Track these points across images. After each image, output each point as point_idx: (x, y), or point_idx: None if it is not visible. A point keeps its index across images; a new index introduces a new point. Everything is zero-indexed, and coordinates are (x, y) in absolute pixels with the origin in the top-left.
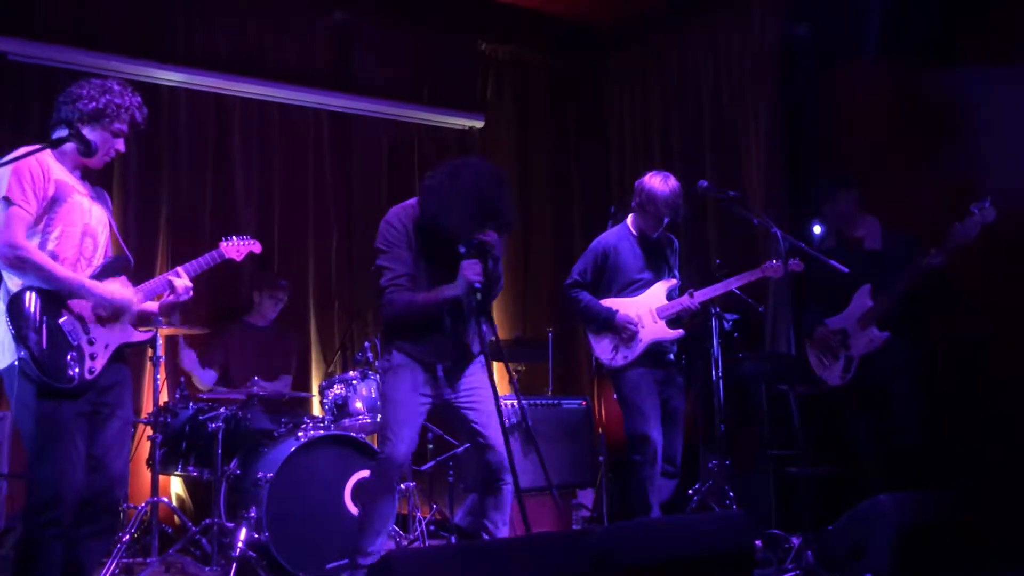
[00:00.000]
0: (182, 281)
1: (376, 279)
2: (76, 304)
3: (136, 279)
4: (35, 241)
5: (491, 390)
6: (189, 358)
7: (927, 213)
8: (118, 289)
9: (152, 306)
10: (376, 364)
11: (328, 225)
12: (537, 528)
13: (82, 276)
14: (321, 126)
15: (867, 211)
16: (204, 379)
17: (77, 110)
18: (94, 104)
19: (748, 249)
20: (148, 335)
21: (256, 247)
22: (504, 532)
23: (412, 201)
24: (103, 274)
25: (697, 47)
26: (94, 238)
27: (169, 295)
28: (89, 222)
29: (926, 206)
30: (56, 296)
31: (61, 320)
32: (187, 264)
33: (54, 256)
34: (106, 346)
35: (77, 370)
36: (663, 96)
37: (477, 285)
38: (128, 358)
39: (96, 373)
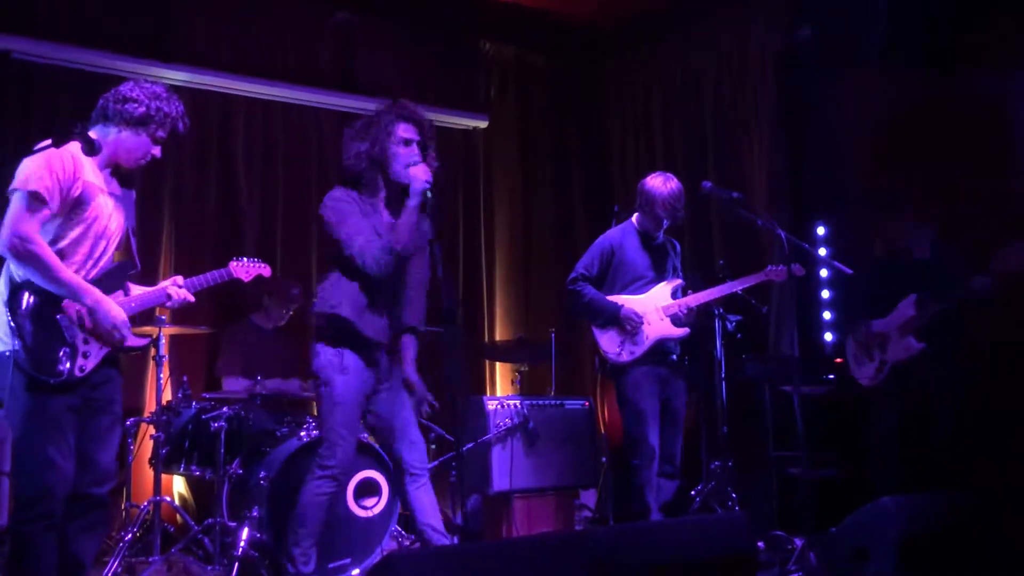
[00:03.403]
0: (181, 291)
1: (339, 253)
2: (76, 302)
3: (140, 280)
4: (49, 236)
5: (416, 375)
6: (231, 383)
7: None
8: (114, 308)
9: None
10: (321, 364)
11: None
12: (538, 529)
13: (83, 281)
14: (324, 126)
15: (920, 221)
16: (236, 387)
17: (126, 112)
18: (143, 109)
19: (752, 250)
20: (144, 341)
21: (266, 271)
22: (442, 530)
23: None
24: (107, 278)
25: (699, 49)
26: (108, 241)
27: (166, 303)
28: (108, 225)
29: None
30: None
31: (59, 315)
32: (193, 278)
33: (62, 255)
34: (101, 347)
35: (68, 365)
36: (665, 98)
37: (427, 185)
38: (119, 361)
39: (87, 371)
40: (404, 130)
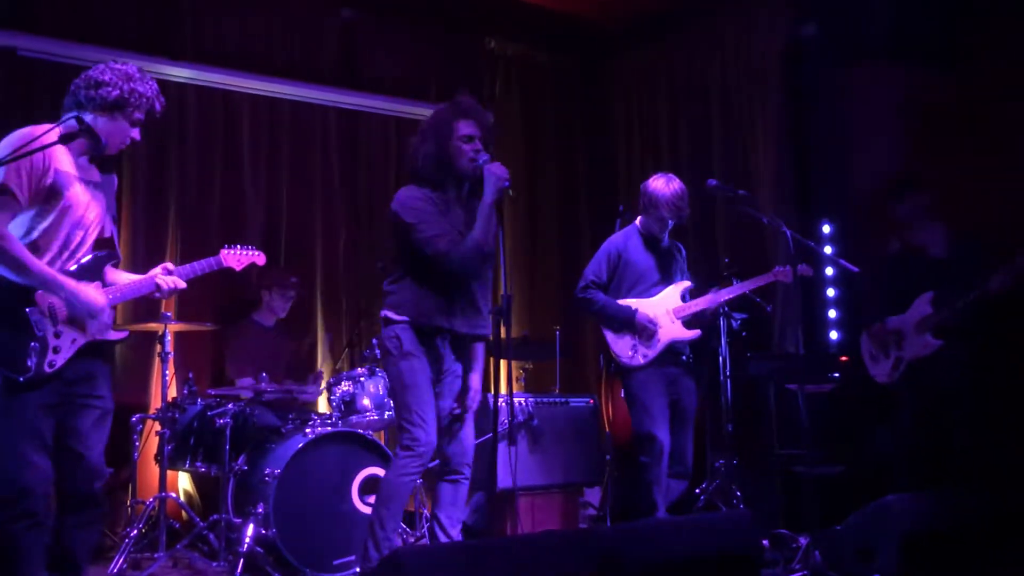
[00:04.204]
0: (170, 279)
1: (415, 253)
2: (47, 295)
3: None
4: (22, 229)
5: (480, 382)
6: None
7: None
8: (92, 292)
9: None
10: (383, 353)
11: (336, 222)
12: (543, 527)
13: (56, 272)
14: (329, 123)
15: (934, 217)
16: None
17: (99, 97)
18: (117, 92)
19: (757, 248)
20: (123, 335)
21: (260, 259)
22: (458, 529)
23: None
24: (85, 271)
25: (704, 47)
26: (85, 231)
27: (155, 293)
28: (84, 214)
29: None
30: (27, 286)
31: (28, 309)
32: (183, 267)
33: (36, 248)
34: (73, 341)
35: (35, 361)
36: (671, 95)
37: (505, 183)
38: (105, 352)
39: (57, 367)
40: (464, 127)
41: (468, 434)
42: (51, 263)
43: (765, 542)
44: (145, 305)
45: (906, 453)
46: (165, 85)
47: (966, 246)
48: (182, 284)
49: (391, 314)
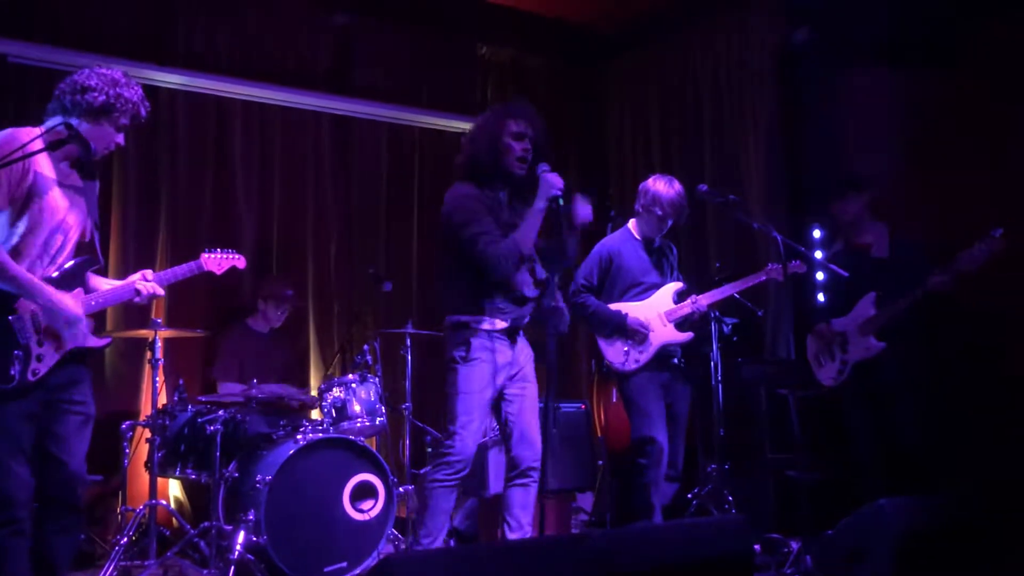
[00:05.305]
0: (149, 285)
1: (460, 251)
2: (30, 303)
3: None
4: (3, 234)
5: (535, 382)
6: (227, 388)
7: (931, 220)
8: (69, 301)
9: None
10: (449, 355)
11: (328, 227)
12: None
13: (35, 278)
14: (321, 129)
15: (877, 217)
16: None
17: (85, 102)
18: (103, 98)
19: (747, 253)
20: (105, 341)
21: (240, 263)
22: (529, 531)
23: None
24: (66, 275)
25: (697, 51)
26: (65, 235)
27: (135, 299)
28: (64, 219)
29: (930, 212)
30: (9, 293)
31: (11, 317)
32: (163, 272)
33: (16, 252)
34: (56, 348)
35: (18, 369)
36: (662, 100)
37: (556, 192)
38: (86, 359)
39: (40, 375)
40: (515, 125)
41: (535, 435)
42: (31, 268)
43: (756, 546)
44: (136, 312)
45: (863, 455)
46: (156, 91)
47: (908, 245)
48: (160, 291)
49: (461, 317)
